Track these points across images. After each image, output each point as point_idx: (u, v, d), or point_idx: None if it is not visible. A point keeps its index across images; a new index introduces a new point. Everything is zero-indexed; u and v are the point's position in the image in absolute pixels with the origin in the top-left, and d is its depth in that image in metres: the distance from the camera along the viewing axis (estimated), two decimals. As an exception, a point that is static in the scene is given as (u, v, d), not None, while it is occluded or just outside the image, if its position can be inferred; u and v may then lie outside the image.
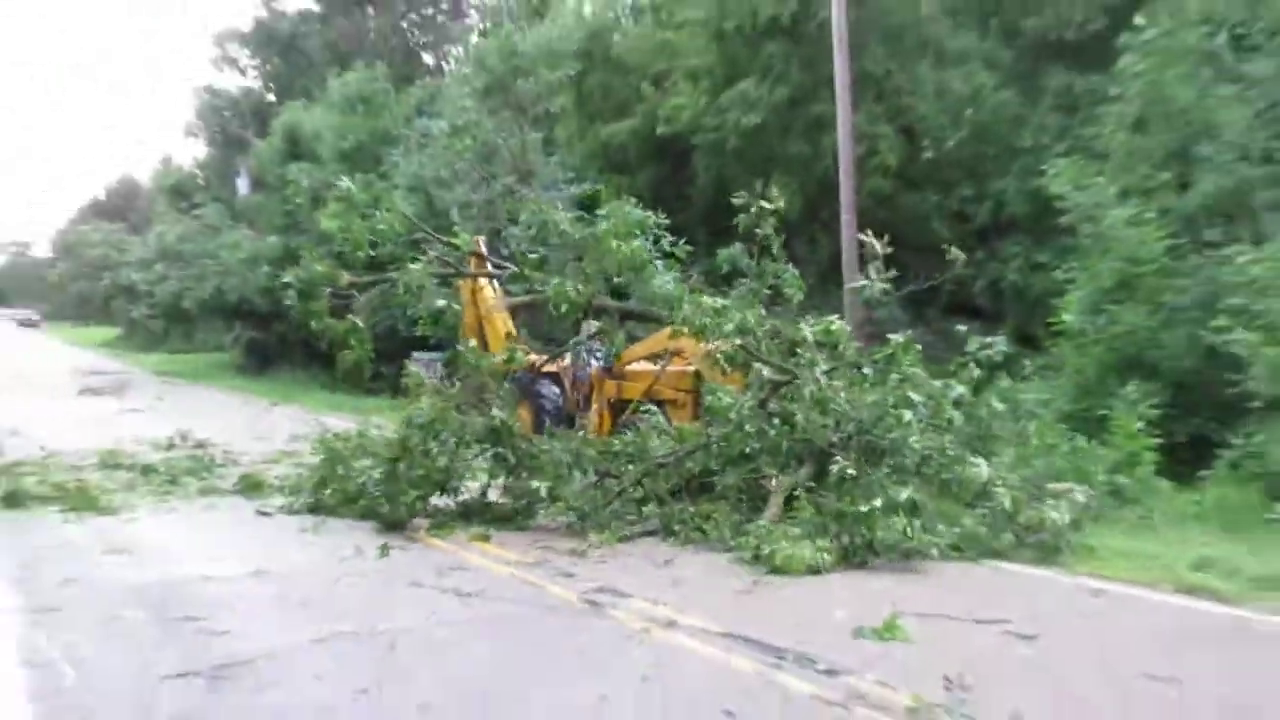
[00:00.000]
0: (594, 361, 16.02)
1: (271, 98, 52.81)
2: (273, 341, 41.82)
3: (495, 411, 12.10)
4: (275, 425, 22.96)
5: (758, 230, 11.99)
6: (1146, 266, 15.24)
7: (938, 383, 11.29)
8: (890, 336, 11.67)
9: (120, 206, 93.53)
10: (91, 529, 11.75)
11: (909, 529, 9.58)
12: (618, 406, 15.60)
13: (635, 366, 15.02)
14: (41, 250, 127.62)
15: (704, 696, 6.28)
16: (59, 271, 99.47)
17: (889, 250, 11.98)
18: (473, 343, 14.44)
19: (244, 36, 53.91)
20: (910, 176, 25.70)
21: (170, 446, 17.95)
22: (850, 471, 10.24)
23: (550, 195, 26.72)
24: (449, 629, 7.82)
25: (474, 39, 43.24)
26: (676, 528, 10.88)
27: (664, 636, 7.56)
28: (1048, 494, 10.48)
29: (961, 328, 12.41)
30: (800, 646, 7.22)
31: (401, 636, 7.57)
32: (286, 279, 13.45)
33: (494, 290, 17.35)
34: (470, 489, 12.25)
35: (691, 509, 11.06)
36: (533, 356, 17.02)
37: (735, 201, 12.14)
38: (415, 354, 24.18)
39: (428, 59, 52.27)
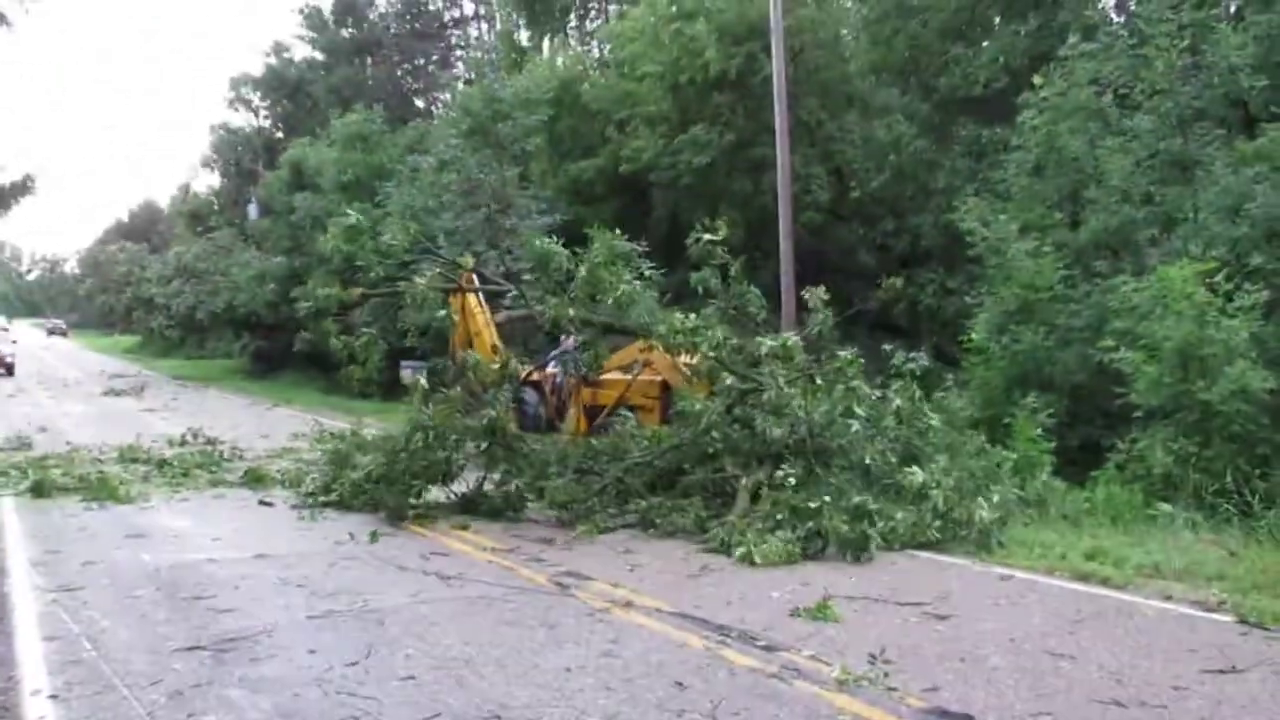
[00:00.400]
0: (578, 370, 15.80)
1: (280, 135, 52.40)
2: (276, 349, 41.53)
3: (492, 410, 11.90)
4: (277, 424, 22.72)
5: (712, 260, 11.95)
6: (1043, 293, 15.34)
7: (875, 393, 11.23)
8: (839, 353, 11.54)
9: (142, 228, 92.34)
10: (111, 516, 11.55)
11: (863, 527, 9.44)
12: (592, 411, 15.43)
13: (609, 375, 14.82)
14: (71, 266, 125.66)
15: (657, 669, 6.19)
16: (86, 285, 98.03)
17: (824, 294, 12.04)
18: (465, 353, 14.26)
19: (256, 81, 53.48)
20: (839, 212, 25.85)
21: (183, 442, 17.72)
22: (791, 479, 10.14)
23: (525, 224, 26.64)
24: (432, 607, 7.69)
25: (460, 87, 43.07)
26: (658, 520, 10.69)
27: (622, 615, 7.47)
28: (979, 493, 10.30)
29: (888, 346, 12.35)
30: (743, 625, 7.17)
31: (390, 614, 7.44)
32: (304, 302, 13.27)
33: (482, 306, 17.20)
34: (467, 481, 12.05)
35: (669, 504, 10.88)
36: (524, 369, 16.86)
37: (689, 241, 12.16)
38: (404, 362, 23.95)
39: (419, 103, 52.00)
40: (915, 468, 10.35)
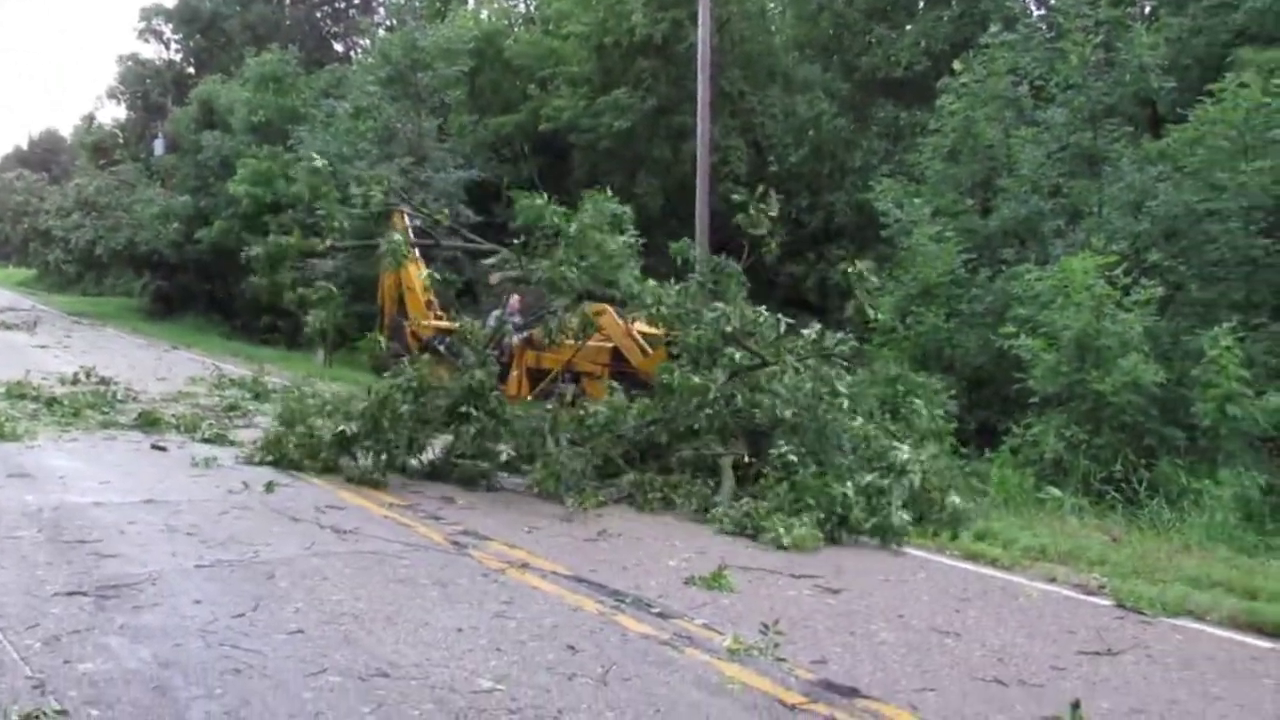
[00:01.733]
0: (516, 333, 15.19)
1: (191, 70, 50.72)
2: (178, 290, 40.45)
3: (476, 373, 11.33)
4: (175, 366, 22.17)
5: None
6: (943, 277, 15.58)
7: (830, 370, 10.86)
8: (803, 331, 11.23)
9: (43, 158, 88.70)
10: (-6, 454, 11.13)
11: (888, 513, 9.20)
12: (536, 375, 14.85)
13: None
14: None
15: (551, 632, 6.17)
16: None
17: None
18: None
19: (169, 12, 51.59)
20: (756, 185, 25.90)
21: (75, 381, 17.11)
22: (788, 457, 9.87)
23: (441, 177, 26.27)
24: (324, 561, 7.55)
25: (380, 32, 42.16)
26: (650, 495, 10.28)
27: (518, 577, 7.43)
28: (947, 479, 10.15)
29: (815, 324, 12.13)
30: (638, 591, 7.19)
31: (280, 566, 7.30)
32: (255, 249, 12.41)
33: (417, 261, 16.65)
34: (433, 447, 11.55)
35: (659, 479, 10.49)
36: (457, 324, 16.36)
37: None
38: (312, 312, 23.48)
39: (338, 47, 50.78)
40: (903, 445, 10.09)
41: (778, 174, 25.03)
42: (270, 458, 11.43)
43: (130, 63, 52.58)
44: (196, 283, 38.55)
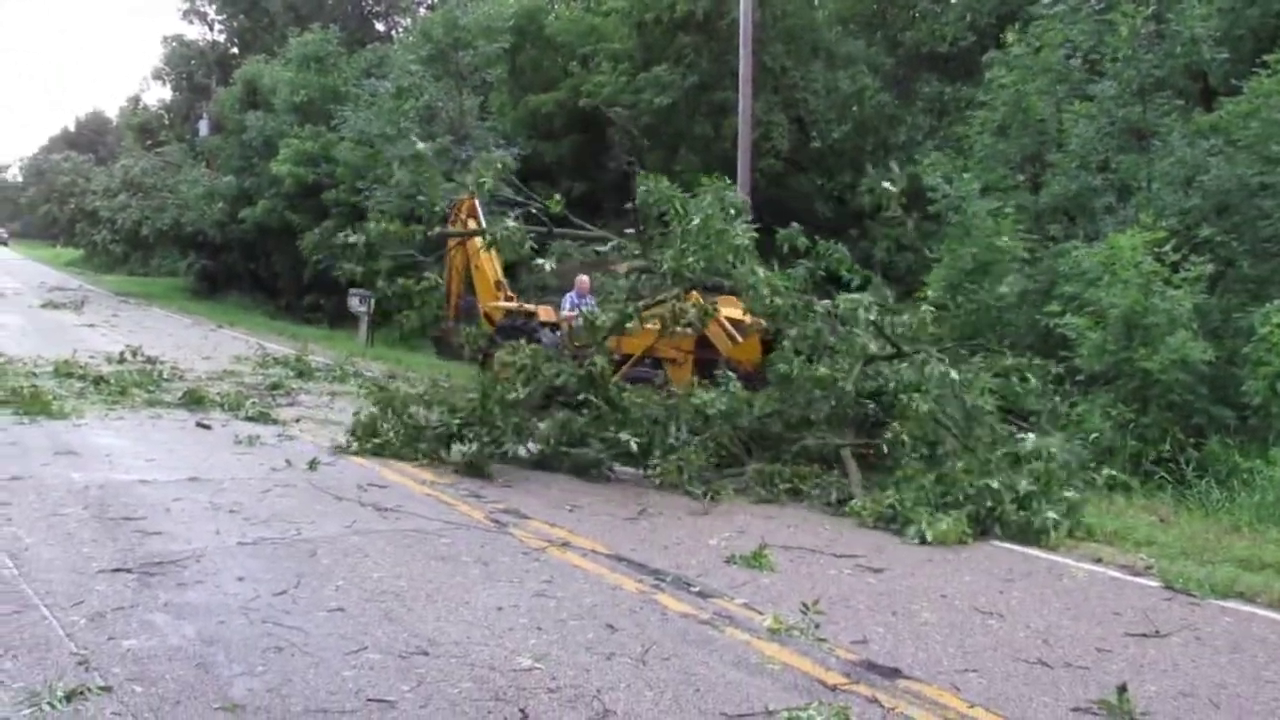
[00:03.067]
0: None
1: (235, 51, 51.11)
2: (223, 270, 40.90)
3: (598, 359, 11.06)
4: (220, 345, 22.42)
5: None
6: (1001, 254, 15.32)
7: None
8: (904, 316, 10.96)
9: (90, 139, 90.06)
10: (42, 432, 11.28)
11: (1040, 510, 8.80)
12: (617, 360, 14.69)
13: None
14: (13, 173, 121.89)
15: (590, 611, 6.18)
16: (29, 194, 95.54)
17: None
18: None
19: (213, -7, 51.99)
20: (799, 161, 25.73)
21: (122, 360, 17.36)
22: (922, 445, 9.69)
23: (483, 157, 26.28)
24: (366, 539, 7.61)
25: (421, 11, 42.23)
26: (779, 486, 10.00)
27: (558, 555, 7.45)
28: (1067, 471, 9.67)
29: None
30: (678, 570, 7.18)
31: (322, 544, 7.36)
32: (352, 239, 12.10)
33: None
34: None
35: (788, 470, 10.18)
36: (533, 306, 16.26)
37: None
38: (352, 290, 23.73)
39: (379, 26, 50.80)
40: (1030, 435, 9.78)
41: (820, 150, 24.84)
42: (368, 446, 11.17)
43: (175, 44, 53.10)
44: (241, 262, 38.98)
